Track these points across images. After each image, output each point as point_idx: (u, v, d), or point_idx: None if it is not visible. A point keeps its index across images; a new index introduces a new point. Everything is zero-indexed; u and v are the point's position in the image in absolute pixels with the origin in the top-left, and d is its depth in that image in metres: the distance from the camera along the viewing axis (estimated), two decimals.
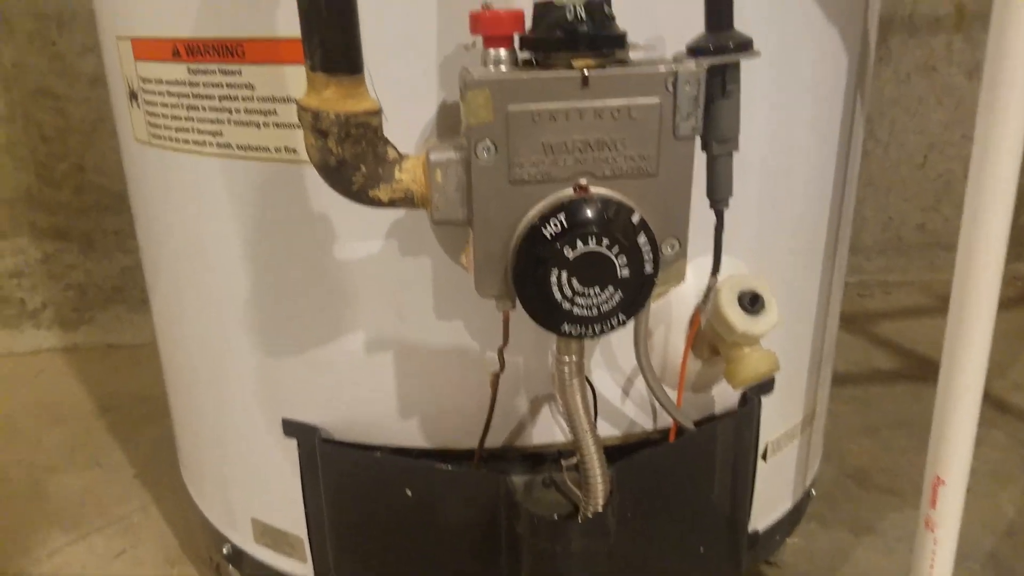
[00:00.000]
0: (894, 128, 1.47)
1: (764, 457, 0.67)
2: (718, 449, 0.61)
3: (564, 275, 0.43)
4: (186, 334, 0.67)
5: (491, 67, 0.43)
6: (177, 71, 0.54)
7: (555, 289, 0.43)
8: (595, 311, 0.44)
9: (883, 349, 1.32)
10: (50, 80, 1.25)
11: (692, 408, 0.61)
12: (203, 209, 0.58)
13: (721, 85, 0.44)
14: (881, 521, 0.90)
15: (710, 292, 0.52)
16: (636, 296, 0.44)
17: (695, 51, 0.44)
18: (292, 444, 0.61)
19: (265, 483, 0.65)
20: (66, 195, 1.34)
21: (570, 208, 0.42)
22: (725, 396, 0.62)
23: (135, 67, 0.57)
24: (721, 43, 0.43)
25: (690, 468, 0.60)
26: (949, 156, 1.51)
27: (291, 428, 0.60)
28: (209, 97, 0.53)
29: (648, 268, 0.43)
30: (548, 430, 0.58)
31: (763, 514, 0.70)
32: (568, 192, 0.43)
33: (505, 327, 0.51)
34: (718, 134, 0.45)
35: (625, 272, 0.43)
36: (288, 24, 0.49)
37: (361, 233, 0.53)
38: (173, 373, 0.73)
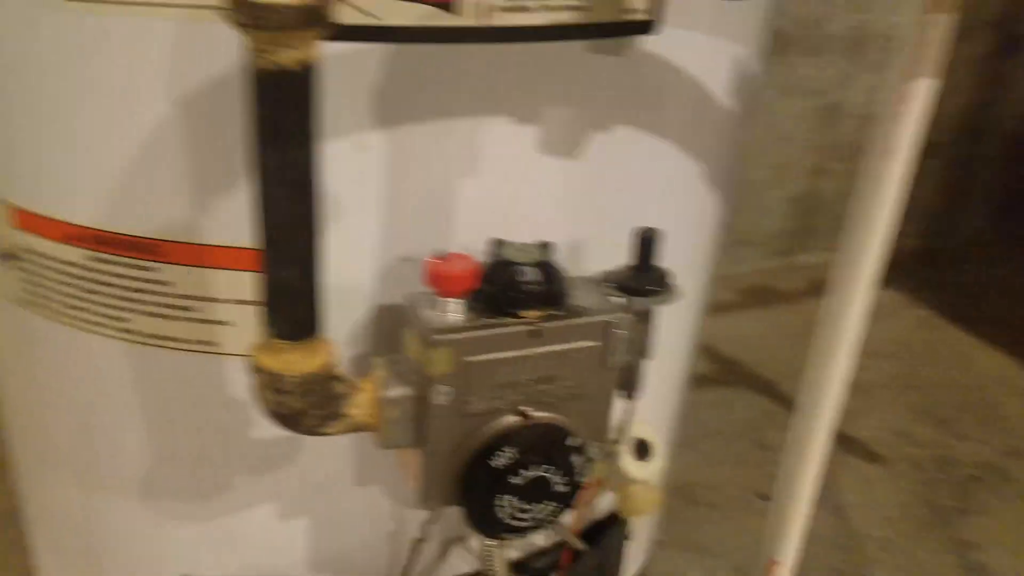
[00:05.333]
0: None
1: (628, 538, 0.77)
2: (603, 555, 0.69)
3: (510, 499, 0.47)
4: (60, 499, 0.63)
5: (445, 315, 0.45)
6: (72, 254, 0.50)
7: (500, 510, 0.47)
8: (532, 521, 0.49)
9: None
10: None
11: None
12: (96, 389, 0.55)
13: (643, 316, 0.49)
14: (707, 538, 1.05)
15: (612, 457, 0.59)
16: (568, 502, 0.49)
17: (623, 288, 0.49)
18: None
19: None
20: None
21: (518, 440, 0.46)
22: (605, 501, 0.70)
23: (12, 234, 0.52)
24: (648, 286, 0.48)
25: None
26: (757, 165, 1.68)
27: None
28: (112, 286, 0.50)
29: (579, 479, 0.49)
30: (457, 565, 0.63)
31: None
32: (512, 420, 0.47)
33: (435, 512, 0.55)
34: (636, 350, 0.50)
35: (561, 487, 0.48)
36: (216, 232, 0.47)
37: None
38: (34, 507, 0.69)
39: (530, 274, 0.44)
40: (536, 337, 0.45)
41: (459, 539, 0.62)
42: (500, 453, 0.46)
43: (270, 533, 0.58)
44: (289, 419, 0.44)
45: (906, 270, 1.81)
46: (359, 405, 0.45)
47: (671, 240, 0.51)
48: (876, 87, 1.72)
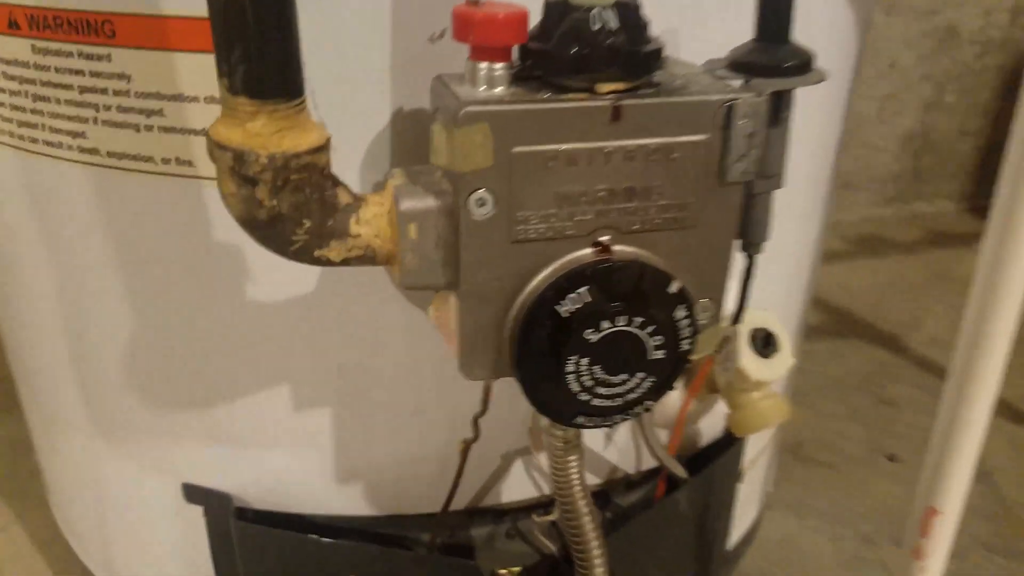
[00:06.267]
0: None
1: (740, 479, 0.61)
2: (708, 492, 0.54)
3: (584, 362, 0.33)
4: (46, 372, 0.52)
5: (482, 88, 0.31)
6: (17, 48, 0.39)
7: (572, 380, 0.33)
8: (619, 401, 0.34)
9: None
10: None
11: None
12: (61, 231, 0.43)
13: (773, 111, 0.34)
14: (822, 500, 0.88)
15: (726, 342, 0.44)
16: (668, 379, 0.35)
17: (743, 67, 0.34)
18: (197, 510, 0.49)
19: (163, 547, 0.53)
20: None
21: (593, 277, 0.32)
22: (710, 423, 0.55)
23: None
24: (781, 62, 0.33)
25: (681, 516, 0.53)
26: (860, 95, 1.48)
27: (195, 495, 0.49)
28: (65, 87, 0.38)
29: (685, 346, 0.34)
30: (520, 487, 0.49)
31: (735, 530, 0.65)
32: (586, 253, 0.33)
33: (485, 395, 0.41)
34: (763, 168, 0.35)
35: (658, 354, 0.33)
36: None
37: (287, 268, 0.41)
38: (32, 409, 0.59)
39: (604, 19, 0.30)
40: (615, 122, 0.31)
41: (523, 453, 0.48)
42: (569, 296, 0.32)
43: (283, 433, 0.45)
44: (266, 228, 0.30)
45: None
46: (367, 222, 0.32)
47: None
48: (994, 8, 1.49)
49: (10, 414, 0.94)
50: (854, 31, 0.50)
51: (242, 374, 0.44)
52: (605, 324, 0.32)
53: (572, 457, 0.41)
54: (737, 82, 0.33)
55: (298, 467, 0.47)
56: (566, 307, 0.32)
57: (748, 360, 0.44)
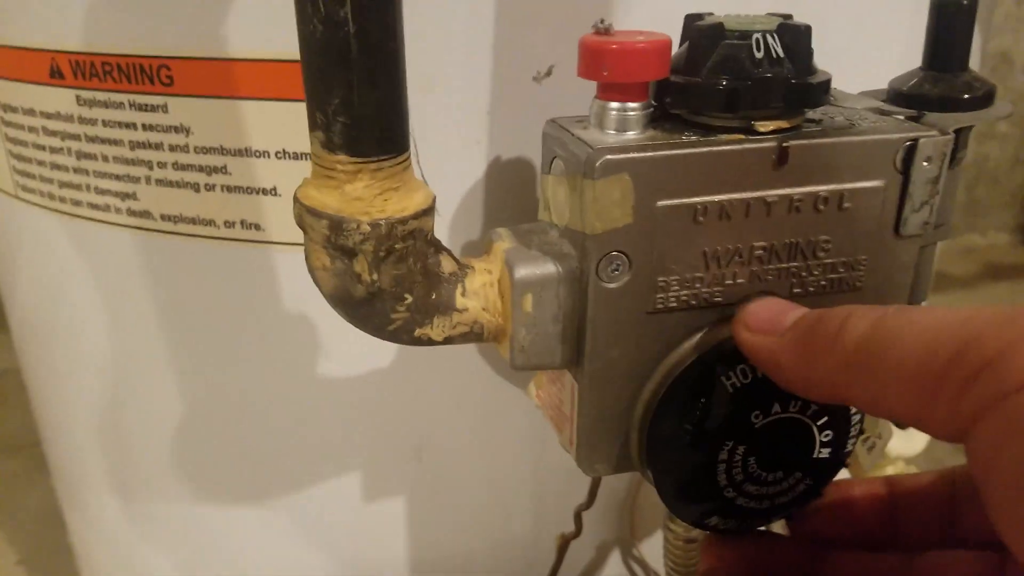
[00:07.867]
0: None
1: None
2: None
3: (740, 452, 0.27)
4: (82, 449, 0.47)
5: (612, 132, 0.26)
6: (59, 99, 0.34)
7: (721, 472, 0.27)
8: (766, 503, 0.29)
9: None
10: None
11: None
12: (107, 303, 0.39)
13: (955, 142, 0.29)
14: None
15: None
16: (824, 481, 0.29)
17: (911, 99, 0.29)
18: None
19: None
20: None
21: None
22: None
23: None
24: (960, 94, 0.28)
25: None
26: None
27: None
28: (114, 142, 0.34)
29: (851, 443, 0.29)
30: None
31: None
32: None
33: (594, 486, 0.35)
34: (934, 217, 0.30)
35: (825, 451, 0.28)
36: (246, 34, 0.30)
37: (363, 341, 0.36)
38: (65, 491, 0.54)
39: (769, 46, 0.25)
40: (780, 167, 0.26)
41: (622, 542, 0.42)
42: (738, 371, 0.27)
43: (350, 525, 0.40)
44: (364, 306, 0.25)
45: None
46: (474, 293, 0.27)
47: None
48: None
49: (37, 485, 0.90)
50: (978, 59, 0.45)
51: (307, 457, 0.39)
52: (777, 408, 0.27)
53: (695, 556, 0.35)
54: (909, 113, 0.28)
55: (370, 558, 0.41)
56: (732, 379, 0.26)
57: (897, 436, 0.39)
